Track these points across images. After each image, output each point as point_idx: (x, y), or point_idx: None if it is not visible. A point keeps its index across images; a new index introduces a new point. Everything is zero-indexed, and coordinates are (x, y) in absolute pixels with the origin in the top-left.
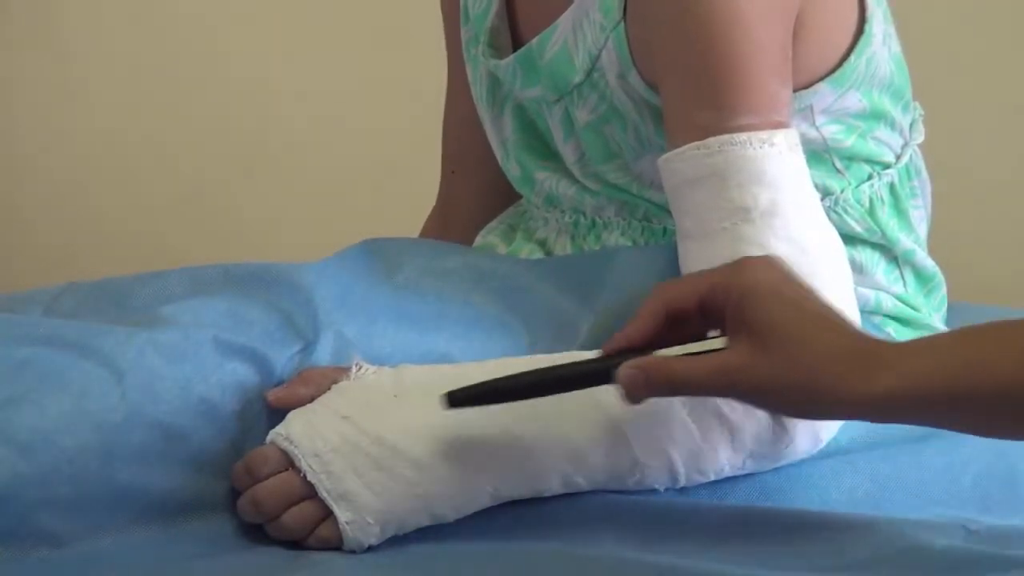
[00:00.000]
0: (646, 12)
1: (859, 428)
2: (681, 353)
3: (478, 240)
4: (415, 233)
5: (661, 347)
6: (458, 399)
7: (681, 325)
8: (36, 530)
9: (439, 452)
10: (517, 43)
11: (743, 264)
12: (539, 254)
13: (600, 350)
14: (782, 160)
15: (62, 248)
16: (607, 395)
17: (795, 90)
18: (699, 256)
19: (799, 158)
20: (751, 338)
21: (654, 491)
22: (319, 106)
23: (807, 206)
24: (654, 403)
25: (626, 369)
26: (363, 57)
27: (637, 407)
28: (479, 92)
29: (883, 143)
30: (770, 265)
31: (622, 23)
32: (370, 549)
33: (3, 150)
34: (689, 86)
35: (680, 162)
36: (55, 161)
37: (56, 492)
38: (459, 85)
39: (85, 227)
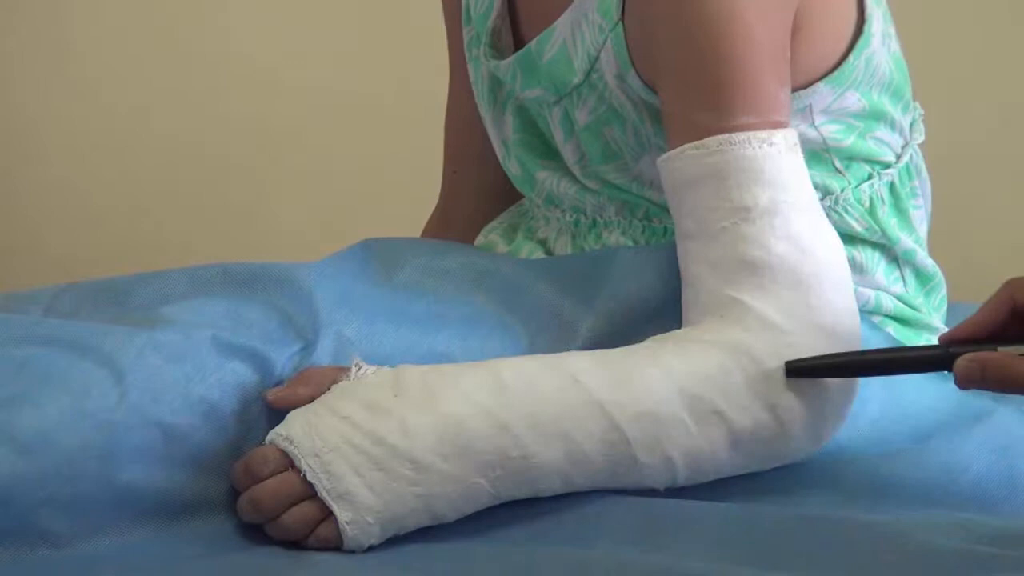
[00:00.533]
0: (644, 12)
1: (859, 428)
2: (1017, 353)
3: (479, 239)
4: (415, 233)
5: (1002, 340)
6: (798, 370)
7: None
8: (36, 530)
9: (439, 452)
10: (518, 43)
11: None
12: (540, 253)
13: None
14: (781, 159)
15: (63, 247)
16: (607, 394)
17: (794, 90)
18: (699, 256)
19: (798, 157)
20: None
21: (654, 491)
22: (320, 106)
23: (807, 205)
24: (653, 403)
25: (964, 361)
26: (365, 57)
27: (637, 407)
28: (480, 92)
29: (883, 143)
30: None
31: (620, 24)
32: (370, 549)
33: (4, 149)
34: (688, 86)
35: (679, 162)
36: (56, 160)
37: (56, 492)
38: (461, 85)
39: (85, 227)
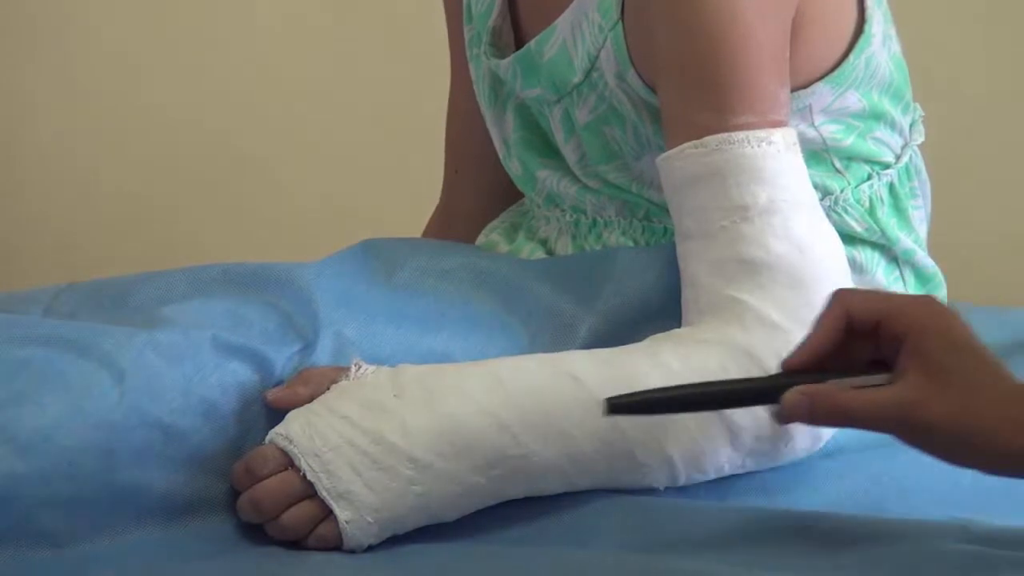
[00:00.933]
0: (643, 12)
1: None
2: (850, 386)
3: (480, 239)
4: (416, 233)
5: (837, 364)
6: (619, 407)
7: (855, 338)
8: (36, 530)
9: (438, 451)
10: (519, 43)
11: (931, 302)
12: (540, 253)
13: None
14: (780, 159)
15: (63, 246)
16: (606, 393)
17: (794, 90)
18: (698, 255)
19: (797, 157)
20: (928, 376)
21: (654, 490)
22: (320, 106)
23: (806, 205)
24: None
25: (793, 394)
26: (366, 57)
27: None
28: (481, 91)
29: (883, 143)
30: (957, 315)
31: (620, 23)
32: (369, 548)
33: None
34: (687, 85)
35: (678, 161)
36: (57, 159)
37: (56, 492)
38: (462, 84)
39: (86, 226)
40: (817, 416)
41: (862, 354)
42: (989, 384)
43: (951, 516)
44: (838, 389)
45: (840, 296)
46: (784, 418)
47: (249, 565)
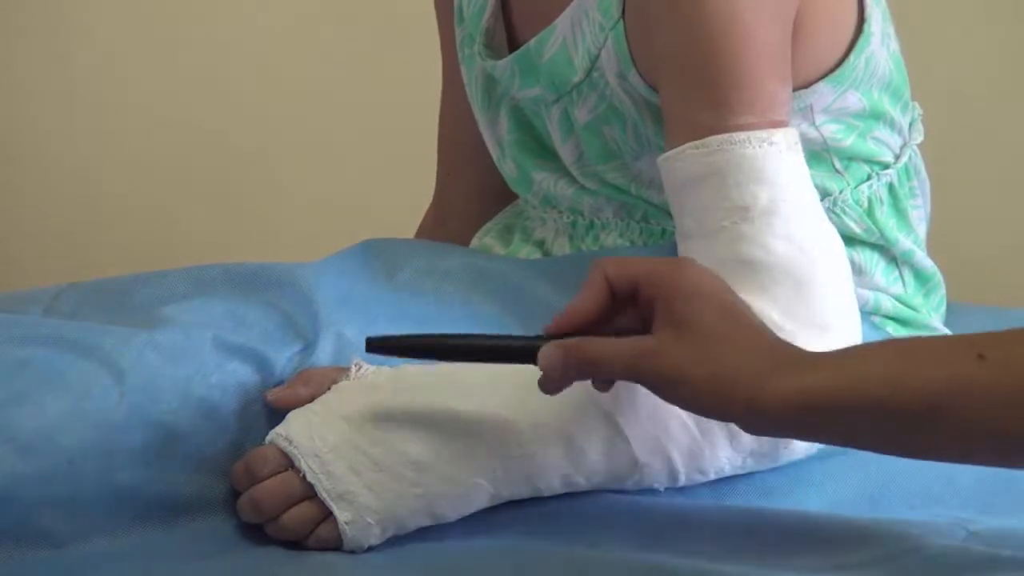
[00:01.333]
0: (645, 11)
1: None
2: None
3: (474, 242)
4: (414, 233)
5: (605, 333)
6: (376, 345)
7: (620, 307)
8: (36, 530)
9: (439, 452)
10: (512, 43)
11: (683, 262)
12: (538, 255)
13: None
14: (781, 159)
15: (63, 246)
16: (606, 394)
17: (794, 89)
18: (699, 255)
19: (798, 157)
20: (673, 330)
21: (654, 490)
22: (320, 105)
23: (807, 205)
24: (653, 402)
25: (548, 348)
26: (366, 57)
27: (636, 404)
28: (474, 92)
29: (882, 143)
30: (711, 273)
31: (621, 22)
32: (370, 549)
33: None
34: (688, 85)
35: (679, 161)
36: (57, 159)
37: (56, 492)
38: (454, 85)
39: (86, 226)
40: (570, 368)
41: (631, 324)
42: (732, 337)
43: (951, 516)
44: (588, 340)
45: (599, 263)
46: (543, 379)
47: (249, 565)
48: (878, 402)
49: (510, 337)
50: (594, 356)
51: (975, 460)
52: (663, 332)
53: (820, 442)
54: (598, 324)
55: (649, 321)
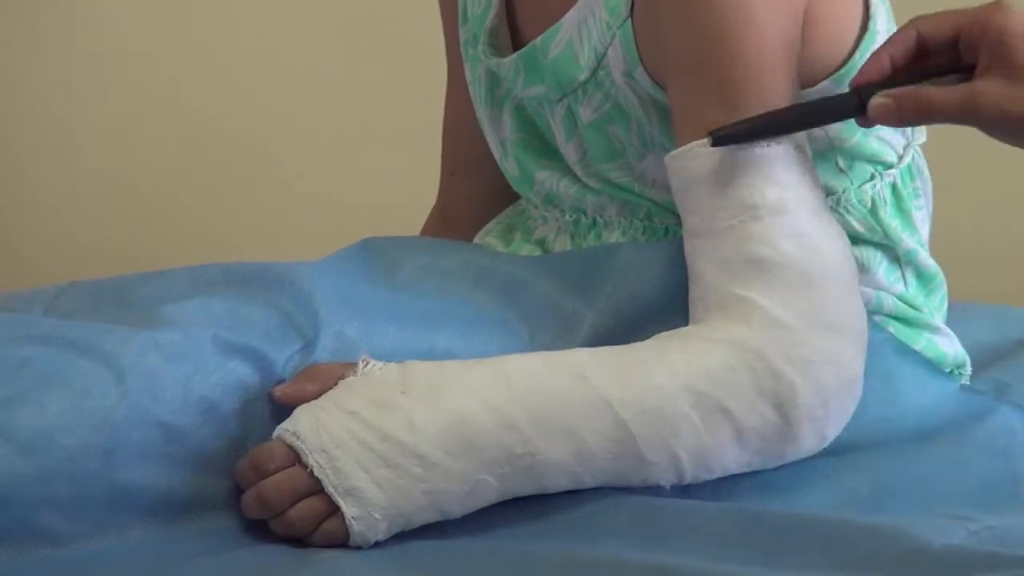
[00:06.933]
0: (653, 9)
1: (862, 428)
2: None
3: (476, 242)
4: (415, 233)
5: (905, 79)
6: (722, 138)
7: (928, 57)
8: (36, 530)
9: (446, 449)
10: (516, 43)
11: (1004, 4)
12: (538, 254)
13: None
14: (790, 158)
15: (63, 246)
16: (613, 391)
17: (801, 88)
18: (706, 253)
19: (806, 156)
20: (1005, 71)
21: (659, 488)
22: (320, 105)
23: (814, 203)
24: (660, 400)
25: (879, 98)
26: (364, 57)
27: (643, 405)
28: (478, 91)
29: (886, 142)
30: None
31: (629, 20)
32: (375, 544)
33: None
34: (697, 83)
35: (687, 159)
36: (58, 159)
37: (56, 492)
38: (458, 86)
39: (87, 226)
40: (905, 113)
41: (939, 72)
42: None
43: (951, 516)
44: (919, 87)
45: (913, 21)
46: (870, 122)
47: (251, 564)
48: None
49: (828, 98)
50: (930, 101)
51: None
52: (992, 74)
53: None
54: (901, 75)
55: (965, 70)
